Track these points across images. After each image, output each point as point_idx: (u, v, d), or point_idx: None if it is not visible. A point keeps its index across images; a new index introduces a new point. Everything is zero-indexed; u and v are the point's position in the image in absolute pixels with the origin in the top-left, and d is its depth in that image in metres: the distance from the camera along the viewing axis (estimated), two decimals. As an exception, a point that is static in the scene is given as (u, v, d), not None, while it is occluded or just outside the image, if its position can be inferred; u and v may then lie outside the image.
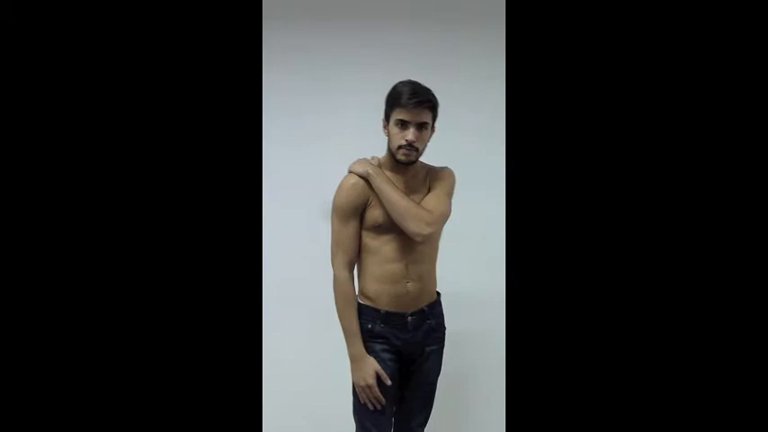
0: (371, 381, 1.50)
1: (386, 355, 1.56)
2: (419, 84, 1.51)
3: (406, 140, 1.48)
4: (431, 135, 1.56)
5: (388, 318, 1.57)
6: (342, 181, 1.56)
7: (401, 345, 1.58)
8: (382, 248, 1.56)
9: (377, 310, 1.57)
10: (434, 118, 1.54)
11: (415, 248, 1.56)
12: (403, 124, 1.49)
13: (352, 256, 1.56)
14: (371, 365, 1.52)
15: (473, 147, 2.11)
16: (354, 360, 1.53)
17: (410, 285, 1.56)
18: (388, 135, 1.54)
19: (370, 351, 1.55)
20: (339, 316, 1.55)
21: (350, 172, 1.56)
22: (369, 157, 1.59)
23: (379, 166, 1.57)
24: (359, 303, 1.58)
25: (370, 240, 1.56)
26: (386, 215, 1.53)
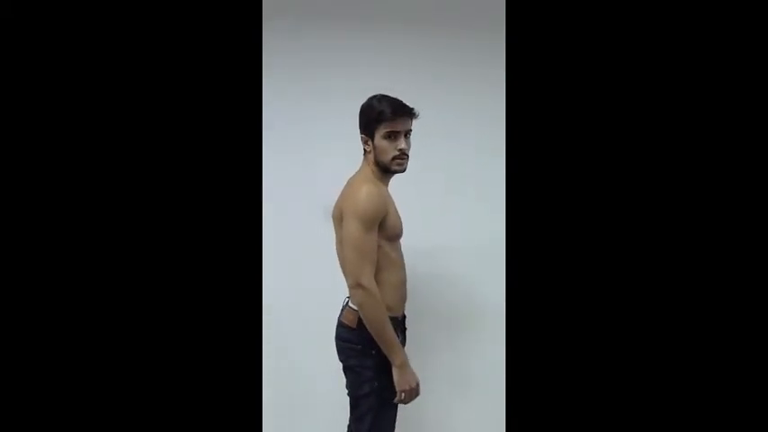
0: (417, 379, 1.53)
1: None
2: (392, 98, 1.55)
3: (400, 150, 1.54)
4: None
5: (402, 324, 1.62)
6: (363, 189, 1.52)
7: None
8: (399, 255, 1.61)
9: (396, 318, 1.59)
10: None
11: None
12: (392, 136, 1.53)
13: (374, 266, 1.51)
14: (411, 368, 1.54)
15: (472, 156, 2.11)
16: (402, 367, 1.52)
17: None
18: (374, 149, 1.56)
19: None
20: (378, 330, 1.49)
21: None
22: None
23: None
24: None
25: (389, 250, 1.56)
26: (400, 221, 1.58)
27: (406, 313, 1.68)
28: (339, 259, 1.58)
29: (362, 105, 1.59)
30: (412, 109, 1.55)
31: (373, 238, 1.49)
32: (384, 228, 1.53)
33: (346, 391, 1.59)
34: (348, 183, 1.60)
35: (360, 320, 1.53)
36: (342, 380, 1.61)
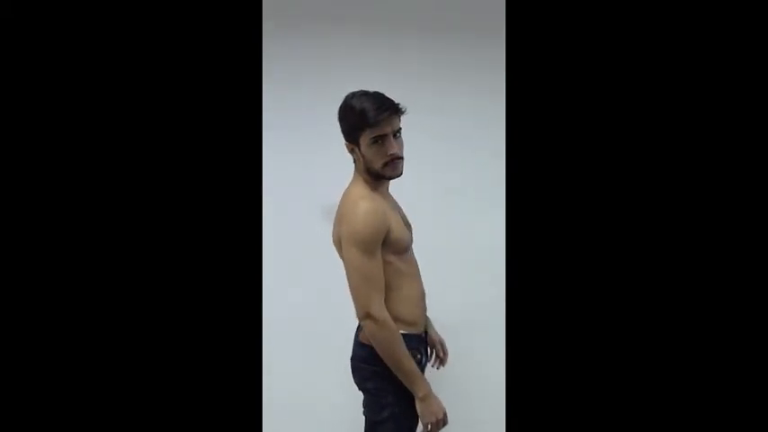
0: (444, 408, 1.40)
1: None
2: (372, 93, 1.40)
3: (391, 154, 1.37)
4: None
5: (425, 340, 1.50)
6: (358, 209, 1.36)
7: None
8: (412, 266, 1.48)
9: (419, 336, 1.47)
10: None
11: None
12: (380, 140, 1.37)
13: (383, 292, 1.37)
14: (437, 398, 1.40)
15: (472, 156, 2.11)
16: (425, 399, 1.38)
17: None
18: (362, 157, 1.40)
19: None
20: (396, 362, 1.36)
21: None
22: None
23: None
24: (402, 334, 1.40)
25: (400, 264, 1.42)
26: (407, 231, 1.46)
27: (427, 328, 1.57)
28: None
29: (340, 108, 1.42)
30: (397, 105, 1.38)
31: (377, 262, 1.35)
32: (389, 244, 1.38)
33: (362, 410, 1.51)
34: (342, 197, 1.46)
35: None
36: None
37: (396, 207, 1.52)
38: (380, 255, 1.36)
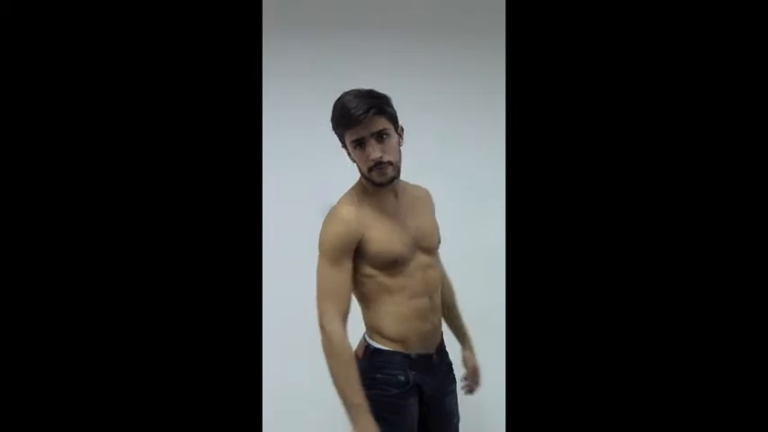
0: None
1: (415, 412, 1.34)
2: (357, 91, 1.29)
3: (372, 159, 1.28)
4: (401, 140, 1.35)
5: (419, 362, 1.38)
6: (331, 214, 1.32)
7: (429, 392, 1.38)
8: (407, 284, 1.36)
9: (407, 356, 1.36)
10: (394, 120, 1.32)
11: (434, 276, 1.43)
12: (360, 143, 1.28)
13: (346, 307, 1.29)
14: None
15: (473, 156, 2.11)
16: None
17: (435, 320, 1.41)
18: (353, 161, 1.35)
19: (400, 410, 1.31)
20: (339, 389, 1.26)
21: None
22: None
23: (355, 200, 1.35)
24: (380, 349, 1.34)
25: (387, 280, 1.33)
26: (401, 244, 1.34)
27: (430, 350, 1.41)
28: None
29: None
30: (377, 105, 1.25)
31: (340, 273, 1.27)
32: (367, 256, 1.31)
33: None
34: None
35: (365, 350, 1.35)
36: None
37: (397, 216, 1.40)
38: (348, 266, 1.30)
